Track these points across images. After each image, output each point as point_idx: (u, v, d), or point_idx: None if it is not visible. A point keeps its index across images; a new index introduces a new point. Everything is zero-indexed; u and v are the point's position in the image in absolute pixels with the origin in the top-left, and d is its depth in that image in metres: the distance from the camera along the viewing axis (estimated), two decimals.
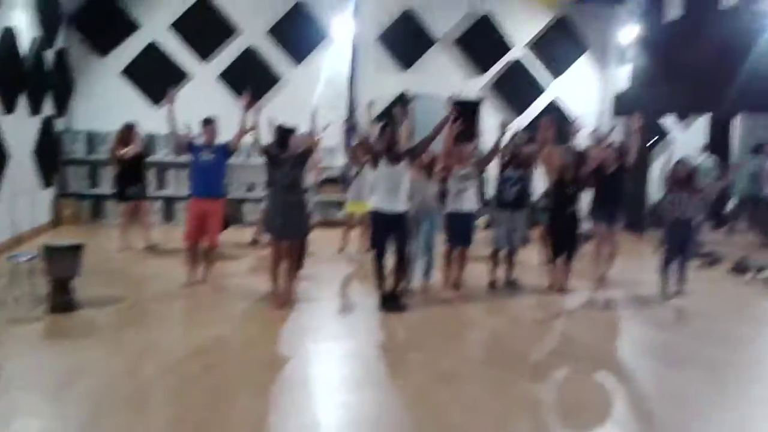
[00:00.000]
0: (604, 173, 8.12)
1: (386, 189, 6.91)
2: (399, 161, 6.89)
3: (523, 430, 4.41)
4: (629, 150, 8.25)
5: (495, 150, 7.81)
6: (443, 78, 12.90)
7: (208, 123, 7.65)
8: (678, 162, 7.98)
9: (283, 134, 7.06)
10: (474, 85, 13.17)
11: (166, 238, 10.05)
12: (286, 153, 6.96)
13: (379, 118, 12.76)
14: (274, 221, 6.97)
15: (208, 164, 7.49)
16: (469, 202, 7.66)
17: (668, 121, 13.37)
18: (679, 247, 7.82)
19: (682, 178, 7.77)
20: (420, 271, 7.68)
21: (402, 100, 8.58)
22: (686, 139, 13.39)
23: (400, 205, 6.96)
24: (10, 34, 9.03)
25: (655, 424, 4.57)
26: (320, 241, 9.90)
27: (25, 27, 9.62)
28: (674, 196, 7.79)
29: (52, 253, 6.44)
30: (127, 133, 9.43)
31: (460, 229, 7.70)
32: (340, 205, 10.98)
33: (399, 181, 6.90)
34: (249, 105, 7.42)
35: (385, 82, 12.74)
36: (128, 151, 9.30)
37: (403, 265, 7.12)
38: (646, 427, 4.54)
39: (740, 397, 5.12)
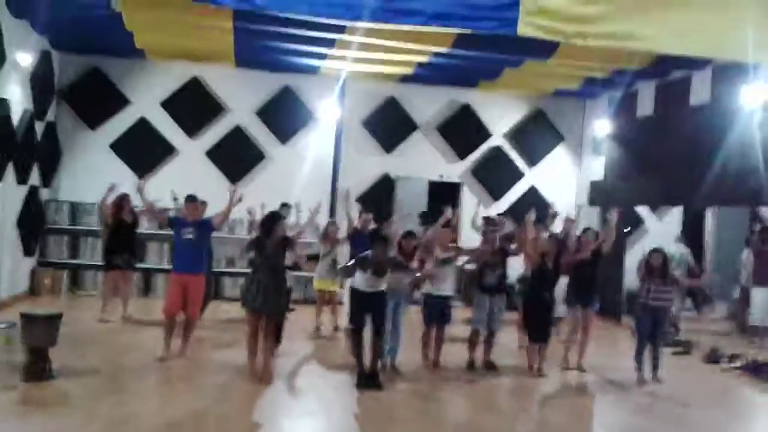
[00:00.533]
0: (582, 261, 8.35)
1: (368, 276, 7.10)
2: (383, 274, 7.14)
3: None
4: (606, 240, 8.48)
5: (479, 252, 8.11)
6: (424, 162, 13.32)
7: (190, 200, 7.80)
8: (653, 251, 8.20)
9: (270, 222, 7.21)
10: (454, 170, 13.55)
11: (144, 311, 10.01)
12: (271, 238, 7.10)
13: (362, 198, 13.09)
14: (254, 298, 7.03)
15: (190, 241, 7.61)
16: (446, 285, 7.89)
17: (643, 210, 13.75)
18: (651, 333, 7.99)
19: (656, 266, 7.99)
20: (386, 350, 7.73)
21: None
22: (661, 227, 13.75)
23: (380, 283, 7.09)
24: (4, 105, 9.25)
25: None
26: (301, 317, 9.90)
27: (18, 99, 9.87)
28: (648, 283, 7.99)
29: (29, 321, 6.42)
30: (120, 203, 9.57)
31: (436, 310, 7.87)
32: None
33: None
34: (235, 195, 7.69)
35: (368, 164, 13.09)
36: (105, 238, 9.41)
37: (380, 343, 7.19)
38: None
39: None
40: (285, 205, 10.97)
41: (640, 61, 10.45)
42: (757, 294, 10.85)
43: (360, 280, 7.17)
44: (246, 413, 6.07)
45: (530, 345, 8.21)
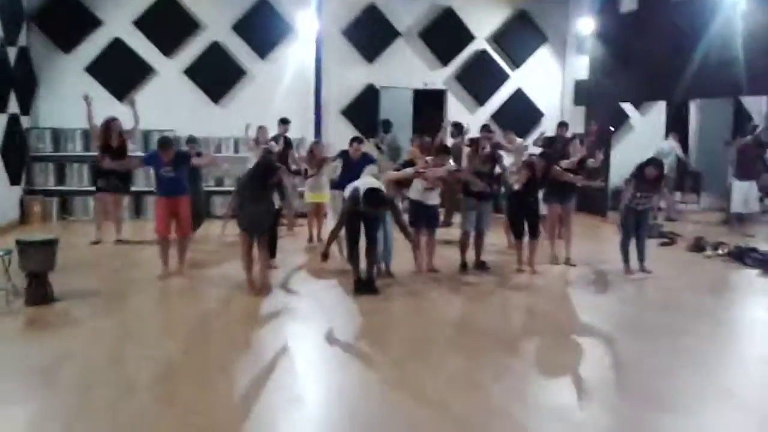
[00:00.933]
0: (570, 170, 8.49)
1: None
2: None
3: (498, 397, 4.61)
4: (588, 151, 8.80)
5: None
6: (407, 70, 13.14)
7: (165, 145, 7.71)
8: (650, 161, 8.19)
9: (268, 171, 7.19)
10: (438, 77, 13.41)
11: (137, 232, 10.09)
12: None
13: (347, 111, 13.00)
14: (243, 219, 7.09)
15: (170, 177, 7.68)
16: (432, 195, 8.03)
17: (628, 106, 13.76)
18: (635, 228, 8.16)
19: (649, 178, 8.00)
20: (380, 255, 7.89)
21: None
22: (646, 123, 13.82)
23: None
24: None
25: (622, 389, 4.84)
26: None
27: None
28: (635, 191, 8.05)
29: (25, 247, 6.46)
30: (107, 128, 9.48)
31: (424, 216, 8.04)
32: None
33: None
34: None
35: (350, 74, 12.90)
36: (112, 165, 9.25)
37: (374, 250, 7.34)
38: (616, 392, 4.80)
39: (701, 362, 5.41)
40: (284, 121, 11.01)
41: None
42: (739, 187, 11.08)
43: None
44: (248, 322, 6.24)
45: (517, 241, 8.40)
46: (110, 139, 9.46)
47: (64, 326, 5.96)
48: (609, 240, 10.34)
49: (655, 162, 8.17)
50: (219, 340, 5.74)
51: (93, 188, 10.01)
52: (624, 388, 4.82)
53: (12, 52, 10.67)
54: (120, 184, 9.68)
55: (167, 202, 7.68)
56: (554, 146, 10.38)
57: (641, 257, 8.32)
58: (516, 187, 8.18)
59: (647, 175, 7.96)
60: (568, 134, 10.84)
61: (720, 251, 9.46)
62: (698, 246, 9.80)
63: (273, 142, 10.42)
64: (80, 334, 5.75)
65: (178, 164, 7.73)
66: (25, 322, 6.08)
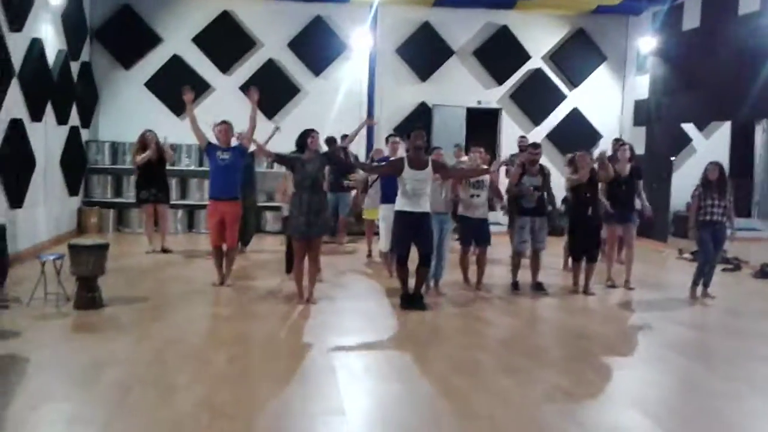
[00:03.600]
0: (617, 179, 8.17)
1: (412, 192, 6.90)
2: (425, 166, 6.92)
3: (547, 416, 4.37)
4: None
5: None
6: (461, 88, 13.02)
7: (222, 123, 7.76)
8: (710, 163, 7.93)
9: (303, 137, 7.13)
10: (493, 96, 13.24)
11: (189, 244, 10.17)
12: (307, 155, 7.02)
13: (399, 128, 12.91)
14: (299, 223, 6.98)
15: (225, 165, 7.59)
16: (480, 210, 7.83)
17: (690, 129, 13.28)
18: (714, 246, 7.78)
19: (712, 180, 7.74)
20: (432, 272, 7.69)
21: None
22: (709, 146, 13.29)
23: (424, 205, 6.97)
24: (38, 46, 9.23)
25: (678, 412, 4.53)
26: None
27: (51, 39, 9.85)
28: (705, 198, 7.74)
29: (77, 251, 6.53)
30: (144, 139, 9.63)
31: (472, 231, 7.86)
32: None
33: (424, 186, 6.93)
34: (255, 99, 7.53)
35: (403, 92, 12.85)
36: (144, 157, 9.48)
37: (426, 270, 7.14)
38: (671, 415, 4.50)
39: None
40: (329, 141, 10.76)
41: None
42: None
43: (404, 200, 6.96)
44: (292, 332, 6.15)
45: (575, 263, 8.09)
46: (147, 147, 9.56)
47: (110, 330, 5.95)
48: (669, 264, 9.95)
49: (713, 163, 7.89)
50: (263, 349, 5.65)
51: (136, 200, 10.02)
52: (686, 412, 4.51)
53: (75, 67, 10.98)
54: (160, 194, 9.77)
55: (218, 207, 7.56)
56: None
57: (707, 281, 7.92)
58: (569, 186, 7.91)
59: (710, 177, 7.71)
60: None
61: None
62: (765, 272, 9.31)
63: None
64: (125, 338, 5.74)
65: (234, 150, 7.64)
66: (72, 326, 6.10)
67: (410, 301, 7.00)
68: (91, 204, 11.72)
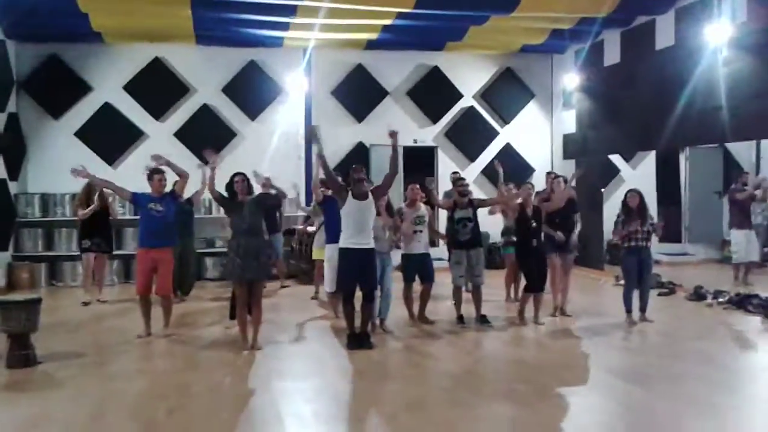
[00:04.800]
0: (557, 210, 8.39)
1: (355, 225, 6.92)
2: (366, 197, 6.98)
3: None
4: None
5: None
6: (397, 128, 13.07)
7: (155, 173, 7.61)
8: (629, 191, 8.25)
9: (231, 181, 7.11)
10: (428, 134, 13.49)
11: (126, 295, 9.88)
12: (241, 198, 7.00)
13: (337, 168, 12.94)
14: (235, 266, 6.89)
15: (158, 216, 7.43)
16: (420, 245, 7.95)
17: (618, 160, 13.78)
18: (638, 274, 8.04)
19: (633, 207, 8.03)
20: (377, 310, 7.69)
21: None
22: (636, 175, 13.80)
23: (368, 240, 6.99)
24: None
25: None
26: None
27: None
28: (627, 226, 8.01)
29: (7, 307, 6.27)
30: (88, 191, 9.42)
31: (414, 267, 7.95)
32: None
33: (367, 217, 6.97)
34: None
35: (340, 133, 12.95)
36: (87, 212, 9.28)
37: (370, 308, 7.14)
38: None
39: (710, 408, 5.19)
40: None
41: (604, 7, 10.43)
42: (736, 235, 10.94)
43: (348, 235, 6.95)
44: (236, 381, 6.01)
45: (524, 294, 8.19)
46: (91, 199, 9.38)
47: (45, 388, 5.71)
48: (607, 292, 10.21)
49: (632, 190, 8.20)
50: (206, 400, 5.48)
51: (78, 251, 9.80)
52: None
53: (1, 119, 10.68)
54: (103, 244, 9.54)
55: (149, 256, 7.38)
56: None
57: (643, 306, 8.16)
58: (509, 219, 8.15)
59: (630, 204, 7.99)
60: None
61: (721, 299, 9.29)
62: (698, 294, 9.65)
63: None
64: (61, 395, 5.51)
65: (166, 199, 7.51)
66: (4, 384, 5.84)
67: (357, 341, 6.96)
68: (21, 258, 11.29)
